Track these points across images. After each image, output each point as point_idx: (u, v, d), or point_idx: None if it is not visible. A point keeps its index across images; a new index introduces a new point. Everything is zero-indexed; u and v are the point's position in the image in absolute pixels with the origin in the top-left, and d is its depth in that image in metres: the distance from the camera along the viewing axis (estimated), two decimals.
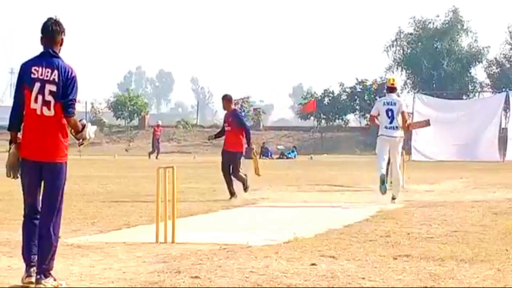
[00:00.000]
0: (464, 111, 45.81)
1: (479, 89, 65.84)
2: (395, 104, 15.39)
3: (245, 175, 16.43)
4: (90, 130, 6.96)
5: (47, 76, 6.68)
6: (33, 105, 6.67)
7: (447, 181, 22.55)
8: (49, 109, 6.66)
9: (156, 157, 45.10)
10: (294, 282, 6.76)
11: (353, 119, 68.88)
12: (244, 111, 64.39)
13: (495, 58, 66.98)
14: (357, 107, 63.51)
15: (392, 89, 15.80)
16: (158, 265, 7.67)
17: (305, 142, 61.07)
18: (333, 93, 65.00)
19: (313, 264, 7.63)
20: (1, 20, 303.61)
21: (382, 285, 6.77)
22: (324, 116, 64.25)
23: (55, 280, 6.71)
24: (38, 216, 6.82)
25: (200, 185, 20.15)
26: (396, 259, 8.03)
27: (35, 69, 6.70)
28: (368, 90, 62.17)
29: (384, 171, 15.08)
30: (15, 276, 7.08)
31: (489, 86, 65.83)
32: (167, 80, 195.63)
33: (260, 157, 49.59)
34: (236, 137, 16.38)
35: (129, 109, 64.33)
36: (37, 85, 6.67)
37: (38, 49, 6.84)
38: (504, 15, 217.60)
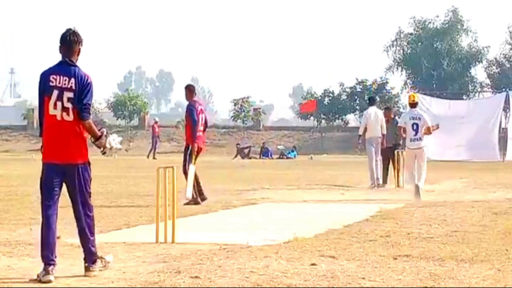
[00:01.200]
0: (464, 111, 45.78)
1: (479, 89, 65.83)
2: (420, 119, 17.10)
3: (196, 183, 14.96)
4: (113, 140, 7.34)
5: (64, 84, 7.09)
6: (52, 111, 7.11)
7: (447, 181, 22.55)
8: (68, 114, 7.09)
9: (153, 157, 44.43)
10: (294, 282, 6.76)
11: (353, 119, 68.86)
12: (244, 111, 64.46)
13: (495, 58, 67.00)
14: (357, 107, 63.46)
15: (413, 105, 17.55)
16: (158, 265, 7.67)
17: (305, 142, 61.07)
18: (333, 93, 65.00)
19: (313, 264, 7.62)
20: (1, 20, 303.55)
21: (382, 285, 6.77)
22: (324, 116, 64.24)
23: (102, 259, 7.30)
24: (55, 223, 7.32)
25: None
26: (396, 259, 8.03)
27: (53, 77, 7.12)
28: (368, 90, 62.16)
29: (416, 181, 16.55)
30: (15, 276, 7.09)
31: (489, 86, 65.83)
32: (167, 80, 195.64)
33: (260, 157, 49.84)
34: (187, 131, 15.43)
35: (129, 109, 64.33)
36: (55, 92, 7.09)
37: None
38: (504, 15, 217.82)
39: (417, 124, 16.94)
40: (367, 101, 24.64)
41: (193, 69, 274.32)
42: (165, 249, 8.81)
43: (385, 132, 20.63)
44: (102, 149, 7.33)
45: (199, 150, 15.12)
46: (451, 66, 65.05)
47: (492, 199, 15.96)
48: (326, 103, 64.03)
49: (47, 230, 7.32)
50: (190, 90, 15.51)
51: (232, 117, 66.48)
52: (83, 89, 7.11)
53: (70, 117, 7.09)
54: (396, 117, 22.10)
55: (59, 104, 7.09)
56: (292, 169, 32.02)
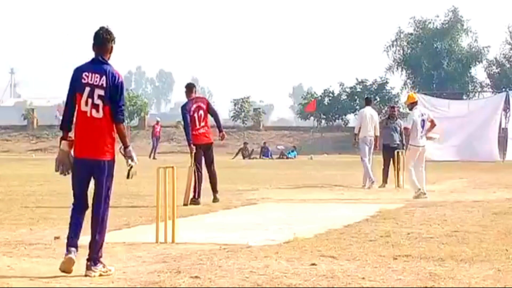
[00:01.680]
0: (464, 111, 45.76)
1: (479, 89, 65.81)
2: (424, 114, 17.26)
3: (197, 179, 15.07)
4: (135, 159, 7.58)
5: (96, 81, 7.28)
6: (83, 107, 7.28)
7: (447, 181, 22.56)
8: (97, 111, 7.27)
9: (154, 157, 44.30)
10: (294, 282, 6.76)
11: (353, 119, 68.79)
12: (244, 111, 64.45)
13: (495, 58, 66.97)
14: (357, 107, 63.36)
15: (415, 103, 17.48)
16: (158, 265, 7.67)
17: (305, 142, 61.04)
18: (333, 93, 64.98)
19: (313, 264, 7.62)
20: (1, 20, 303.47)
21: (382, 285, 6.77)
22: (324, 116, 64.23)
23: (104, 266, 7.25)
24: (84, 209, 7.51)
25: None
26: (396, 259, 8.03)
27: (85, 75, 7.30)
28: (368, 90, 62.14)
29: (419, 184, 16.61)
30: (15, 276, 7.09)
31: (489, 86, 65.80)
32: (167, 80, 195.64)
33: (260, 157, 49.84)
34: None
35: (129, 109, 64.25)
36: (87, 89, 7.28)
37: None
38: (504, 15, 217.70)
39: (424, 121, 17.02)
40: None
41: (193, 69, 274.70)
42: (165, 249, 8.81)
43: (378, 134, 20.81)
44: (127, 163, 7.51)
45: (203, 142, 15.15)
46: (451, 66, 65.01)
47: (492, 199, 15.96)
48: (326, 103, 64.03)
49: (75, 223, 7.53)
50: (187, 89, 15.54)
51: (232, 117, 66.49)
52: (114, 87, 7.30)
53: (100, 114, 7.27)
54: (399, 120, 22.16)
55: (90, 101, 7.26)
56: (292, 169, 32.02)
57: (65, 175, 7.51)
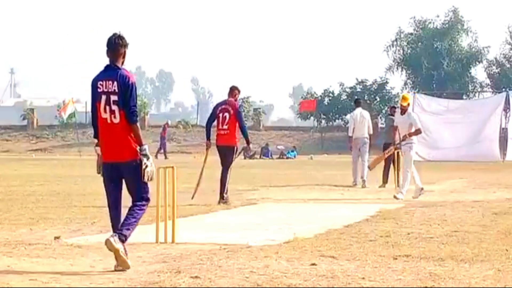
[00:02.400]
0: (464, 111, 45.76)
1: (479, 89, 65.86)
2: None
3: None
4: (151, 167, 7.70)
5: (109, 88, 7.62)
6: (103, 115, 7.66)
7: (447, 181, 22.56)
8: (115, 117, 7.61)
9: (166, 157, 46.69)
10: (294, 282, 6.76)
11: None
12: (244, 111, 64.48)
13: (495, 58, 67.02)
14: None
15: (407, 106, 17.39)
16: (158, 265, 7.67)
17: (305, 142, 61.06)
18: (333, 93, 65.00)
19: (313, 264, 7.62)
20: (1, 20, 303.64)
21: (382, 285, 6.77)
22: (324, 116, 64.25)
23: (125, 251, 7.46)
24: (118, 207, 7.79)
25: (200, 185, 20.08)
26: (396, 259, 8.03)
27: (100, 84, 7.66)
28: (368, 90, 62.14)
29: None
30: (15, 276, 7.09)
31: (489, 86, 65.85)
32: (167, 80, 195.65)
33: (260, 157, 49.86)
34: None
35: None
36: (104, 97, 7.63)
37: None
38: (504, 15, 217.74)
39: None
40: (353, 102, 25.00)
41: (193, 69, 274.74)
42: (165, 249, 8.81)
43: (371, 132, 21.43)
44: (143, 163, 7.60)
45: (220, 143, 15.40)
46: (451, 66, 65.05)
47: (492, 199, 15.96)
48: (326, 103, 64.04)
49: (113, 214, 7.81)
50: (229, 90, 15.83)
51: None
52: (126, 90, 7.59)
53: (117, 119, 7.61)
54: None
55: (107, 108, 7.62)
56: (292, 169, 32.02)
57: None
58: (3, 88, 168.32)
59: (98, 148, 7.81)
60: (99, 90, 7.65)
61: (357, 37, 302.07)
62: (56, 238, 9.57)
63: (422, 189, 16.66)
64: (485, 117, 44.45)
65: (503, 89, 55.11)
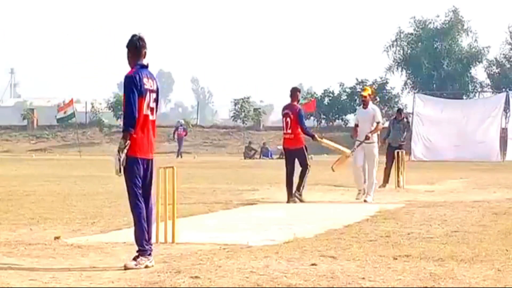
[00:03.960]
0: (464, 111, 45.81)
1: (479, 89, 65.85)
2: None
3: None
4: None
5: (151, 86, 7.87)
6: (145, 111, 7.79)
7: (447, 181, 22.57)
8: (153, 114, 7.90)
9: (180, 156, 47.92)
10: (294, 282, 6.76)
11: (353, 119, 68.76)
12: (244, 111, 64.45)
13: (495, 58, 66.98)
14: (357, 107, 63.42)
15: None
16: (158, 265, 7.67)
17: (305, 142, 61.03)
18: (333, 93, 65.00)
19: (313, 264, 7.63)
20: (1, 20, 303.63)
21: (382, 285, 6.77)
22: (324, 116, 64.24)
23: (136, 262, 7.60)
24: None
25: (200, 185, 20.13)
26: (396, 259, 8.03)
27: (145, 81, 7.81)
28: None
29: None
30: (15, 276, 7.09)
31: (489, 86, 65.82)
32: (167, 80, 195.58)
33: (260, 157, 49.87)
34: None
35: None
36: (148, 94, 7.82)
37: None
38: (504, 15, 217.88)
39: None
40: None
41: (193, 69, 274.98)
42: (165, 249, 8.81)
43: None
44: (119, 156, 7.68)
45: (286, 146, 16.13)
46: (451, 66, 65.03)
47: (492, 199, 15.96)
48: (326, 103, 64.04)
49: (144, 221, 7.80)
50: (290, 92, 16.05)
51: (232, 117, 66.50)
52: (158, 90, 7.99)
53: (154, 116, 7.92)
54: (405, 119, 22.33)
55: (150, 104, 7.84)
56: None
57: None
58: (3, 88, 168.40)
59: (129, 143, 7.65)
60: (145, 86, 7.77)
61: (357, 37, 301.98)
62: (56, 238, 9.57)
63: (360, 193, 16.10)
64: (485, 117, 44.49)
65: (503, 89, 55.12)
